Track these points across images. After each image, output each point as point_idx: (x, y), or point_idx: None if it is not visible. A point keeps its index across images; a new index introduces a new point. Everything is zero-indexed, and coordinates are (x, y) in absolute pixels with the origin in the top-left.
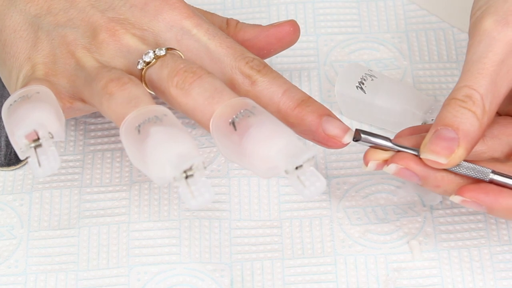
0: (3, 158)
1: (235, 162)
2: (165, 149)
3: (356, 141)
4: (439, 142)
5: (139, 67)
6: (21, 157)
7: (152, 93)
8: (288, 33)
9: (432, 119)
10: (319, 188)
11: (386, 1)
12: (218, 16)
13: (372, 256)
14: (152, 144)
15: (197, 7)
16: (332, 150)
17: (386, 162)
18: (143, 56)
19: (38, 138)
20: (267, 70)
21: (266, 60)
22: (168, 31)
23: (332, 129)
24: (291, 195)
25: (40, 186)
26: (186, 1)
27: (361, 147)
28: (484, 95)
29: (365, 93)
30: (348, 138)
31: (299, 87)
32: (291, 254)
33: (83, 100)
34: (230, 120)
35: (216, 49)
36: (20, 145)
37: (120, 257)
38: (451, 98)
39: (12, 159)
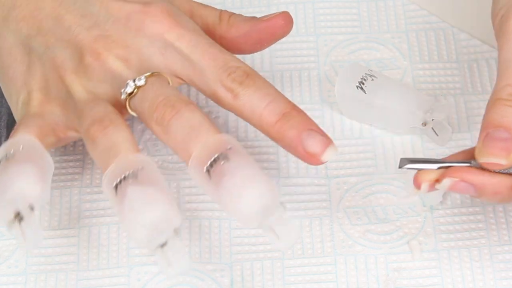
0: None
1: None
2: (139, 217)
3: (401, 168)
4: (494, 144)
5: (123, 97)
6: (7, 230)
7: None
8: (280, 27)
9: (433, 119)
10: (294, 238)
11: (386, 1)
12: (212, 9)
13: (372, 256)
14: (127, 209)
15: None
16: None
17: (437, 181)
18: (125, 87)
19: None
20: (250, 81)
21: (262, 60)
22: (151, 45)
23: (311, 145)
24: (291, 195)
25: None
26: None
27: (363, 146)
28: None
29: (365, 93)
30: (327, 156)
31: (299, 87)
32: (291, 254)
33: (76, 130)
34: (205, 168)
35: (198, 62)
36: (3, 218)
37: (120, 257)
38: (496, 99)
39: None
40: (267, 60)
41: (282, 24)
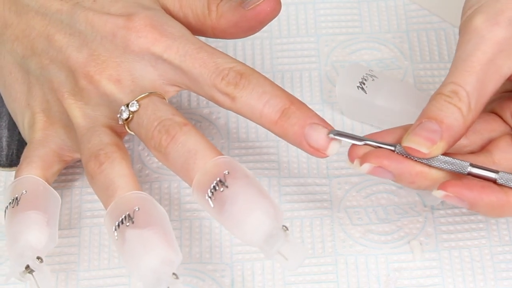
0: (4, 159)
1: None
2: (138, 265)
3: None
4: (422, 132)
5: (120, 123)
6: (21, 281)
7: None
8: (267, 14)
9: None
10: (302, 257)
11: (387, 1)
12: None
13: (373, 256)
14: (128, 254)
15: None
16: None
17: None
18: (120, 113)
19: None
20: (245, 81)
21: (263, 61)
22: (141, 60)
23: (315, 141)
24: (292, 195)
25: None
26: None
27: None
28: (470, 93)
29: (366, 93)
30: (332, 150)
31: (300, 88)
32: None
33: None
34: (206, 196)
35: (190, 70)
36: (15, 271)
37: (121, 257)
38: (438, 93)
39: (14, 160)
40: (268, 60)
41: (269, 10)
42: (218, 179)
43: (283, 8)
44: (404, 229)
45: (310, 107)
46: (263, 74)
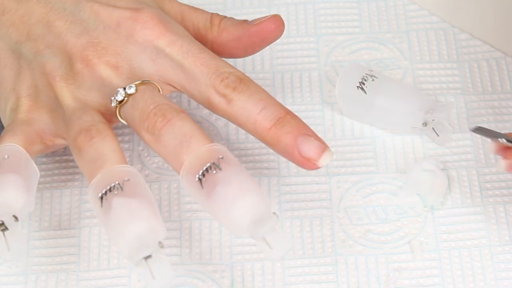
0: None
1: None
2: (123, 230)
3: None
4: None
5: (113, 105)
6: None
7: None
8: (270, 31)
9: (433, 119)
10: (286, 248)
11: (387, 1)
12: (203, 12)
13: (373, 256)
14: (112, 221)
15: (197, 6)
16: (333, 149)
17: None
18: (115, 95)
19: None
20: (243, 86)
21: (263, 61)
22: (142, 52)
23: (307, 151)
24: (292, 194)
25: (40, 186)
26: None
27: (363, 146)
28: None
29: (366, 93)
30: (323, 160)
31: (300, 88)
32: (292, 255)
33: (63, 138)
34: (197, 177)
35: (190, 68)
36: None
37: (121, 257)
38: None
39: None
40: (268, 61)
41: (273, 28)
42: (212, 161)
43: (282, 8)
44: (404, 229)
45: (309, 107)
46: (263, 74)
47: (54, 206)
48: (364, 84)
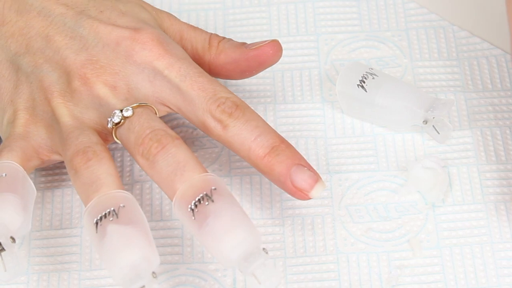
0: None
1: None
2: (117, 258)
3: None
4: None
5: (109, 126)
6: None
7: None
8: (268, 57)
9: (433, 117)
10: (275, 283)
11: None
12: (202, 32)
13: (375, 254)
14: (107, 248)
15: (197, 7)
16: (334, 147)
17: None
18: (112, 116)
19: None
20: (239, 113)
21: None
22: (140, 73)
23: (300, 181)
24: None
25: (41, 186)
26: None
27: (364, 144)
28: None
29: (366, 91)
30: (316, 192)
31: (300, 87)
32: (293, 253)
33: (60, 154)
34: (189, 207)
35: (187, 91)
36: None
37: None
38: None
39: None
40: None
41: (271, 53)
42: (204, 193)
43: (282, 6)
44: (405, 226)
45: (310, 105)
46: (263, 73)
47: (55, 206)
48: (364, 82)
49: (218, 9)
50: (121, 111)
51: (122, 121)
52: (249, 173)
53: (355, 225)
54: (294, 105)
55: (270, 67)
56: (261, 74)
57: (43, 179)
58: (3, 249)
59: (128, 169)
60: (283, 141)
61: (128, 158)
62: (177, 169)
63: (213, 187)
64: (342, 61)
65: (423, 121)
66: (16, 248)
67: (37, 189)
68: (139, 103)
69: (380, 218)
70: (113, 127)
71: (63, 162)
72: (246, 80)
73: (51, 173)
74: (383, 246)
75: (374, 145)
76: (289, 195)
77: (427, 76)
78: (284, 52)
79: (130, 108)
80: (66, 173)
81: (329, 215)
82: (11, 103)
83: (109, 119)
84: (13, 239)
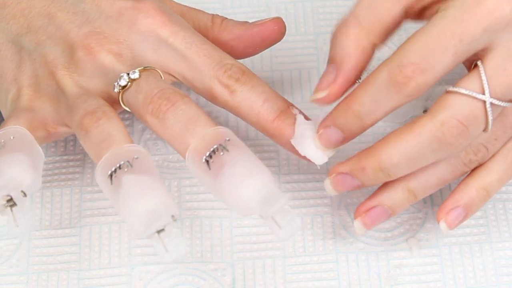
0: None
1: (211, 193)
2: (135, 205)
3: None
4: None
5: (116, 90)
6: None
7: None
8: (272, 32)
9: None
10: (295, 227)
11: None
12: (204, 13)
13: (374, 253)
14: (123, 197)
15: (194, 5)
16: None
17: None
18: (118, 80)
19: (12, 198)
20: (246, 78)
21: (262, 59)
22: (144, 41)
23: None
24: (293, 192)
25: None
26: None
27: (364, 144)
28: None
29: None
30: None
31: (299, 86)
32: (293, 252)
33: (67, 125)
34: (204, 158)
35: (193, 58)
36: None
37: (121, 256)
38: None
39: None
40: (267, 59)
41: (275, 29)
42: (219, 143)
43: (281, 6)
44: (405, 225)
45: (310, 105)
46: (262, 73)
47: (54, 205)
48: (360, 78)
49: (217, 9)
50: (128, 74)
51: (129, 84)
52: None
53: None
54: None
55: (270, 67)
56: (260, 73)
57: (42, 179)
58: (14, 204)
59: None
60: (291, 104)
61: None
62: (189, 124)
63: (227, 138)
64: None
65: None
66: (27, 204)
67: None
68: (144, 67)
69: None
70: (119, 91)
71: (62, 161)
72: None
73: (50, 173)
74: (382, 245)
75: (373, 139)
76: (289, 194)
77: None
78: (283, 51)
79: (137, 71)
80: (65, 173)
81: (328, 214)
82: (14, 82)
83: (116, 83)
84: (24, 193)
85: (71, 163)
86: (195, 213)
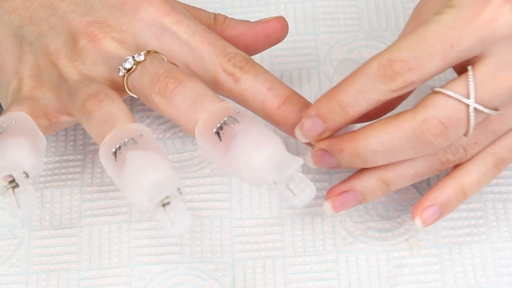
0: None
1: (222, 169)
2: (140, 178)
3: None
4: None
5: (121, 74)
6: (1, 197)
7: (135, 96)
8: (275, 30)
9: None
10: (309, 195)
11: None
12: (205, 11)
13: (374, 253)
14: (128, 172)
15: (194, 5)
16: None
17: None
18: (123, 63)
19: (14, 179)
20: (250, 66)
21: (262, 59)
22: (147, 29)
23: None
24: None
25: (41, 186)
26: None
27: None
28: None
29: None
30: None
31: (299, 86)
32: (293, 252)
33: (69, 114)
34: (214, 130)
35: (197, 46)
36: None
37: (121, 256)
38: None
39: None
40: (267, 59)
41: (278, 27)
42: (229, 115)
43: (281, 6)
44: (404, 225)
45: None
46: None
47: (54, 205)
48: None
49: (217, 9)
50: (133, 57)
51: (134, 66)
52: None
53: (355, 225)
54: None
55: (270, 67)
56: None
57: (42, 179)
58: (17, 185)
59: None
60: (295, 92)
61: None
62: (197, 100)
63: (236, 111)
64: None
65: None
66: (29, 185)
67: (36, 189)
68: (148, 51)
69: (379, 217)
70: (124, 75)
71: (62, 161)
72: None
73: (50, 173)
74: (382, 245)
75: None
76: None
77: None
78: (283, 52)
79: (142, 54)
80: (65, 173)
81: None
82: (15, 74)
83: (120, 67)
84: (26, 174)
85: (71, 163)
86: (195, 213)
